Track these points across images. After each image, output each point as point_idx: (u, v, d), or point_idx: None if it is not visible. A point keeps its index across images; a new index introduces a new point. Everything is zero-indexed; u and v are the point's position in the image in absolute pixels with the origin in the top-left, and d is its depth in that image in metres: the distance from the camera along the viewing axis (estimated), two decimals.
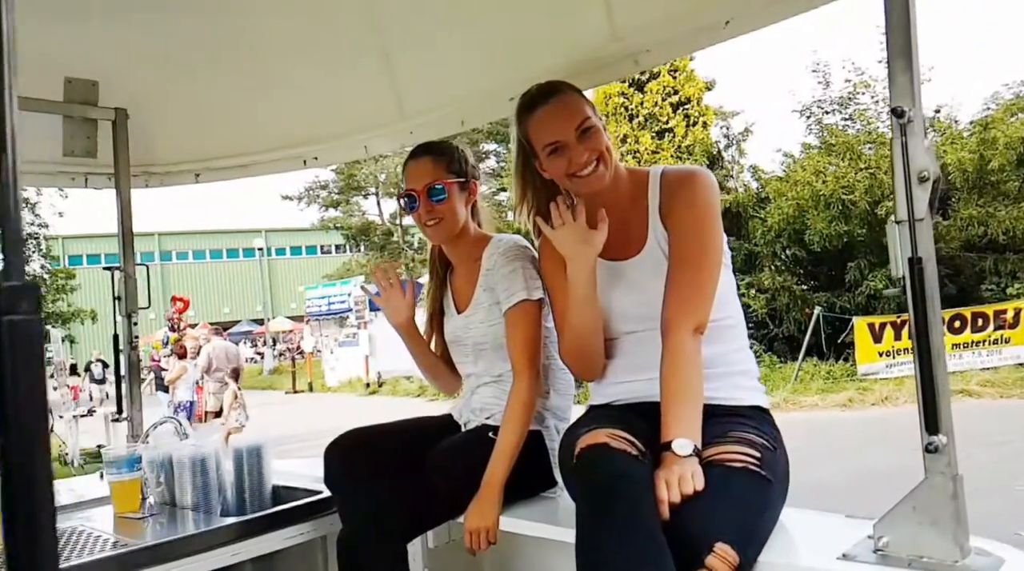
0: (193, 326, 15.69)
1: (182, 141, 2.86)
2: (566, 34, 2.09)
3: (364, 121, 2.62)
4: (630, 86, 17.68)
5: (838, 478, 6.76)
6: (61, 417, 9.01)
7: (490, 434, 1.89)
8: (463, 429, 2.05)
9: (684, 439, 1.46)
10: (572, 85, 1.77)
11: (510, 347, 1.91)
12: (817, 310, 12.86)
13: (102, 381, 20.90)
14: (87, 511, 2.12)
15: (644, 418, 1.60)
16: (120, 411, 2.69)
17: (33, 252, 23.94)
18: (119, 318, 2.69)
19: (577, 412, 1.86)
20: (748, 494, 1.41)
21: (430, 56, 2.36)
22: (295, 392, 21.17)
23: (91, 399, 19.70)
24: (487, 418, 1.99)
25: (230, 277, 48.75)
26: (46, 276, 23.98)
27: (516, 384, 1.88)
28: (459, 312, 2.07)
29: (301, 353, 24.13)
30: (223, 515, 2.06)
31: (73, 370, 26.83)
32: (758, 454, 1.48)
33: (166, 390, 10.72)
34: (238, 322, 41.02)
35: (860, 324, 12.18)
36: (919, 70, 1.32)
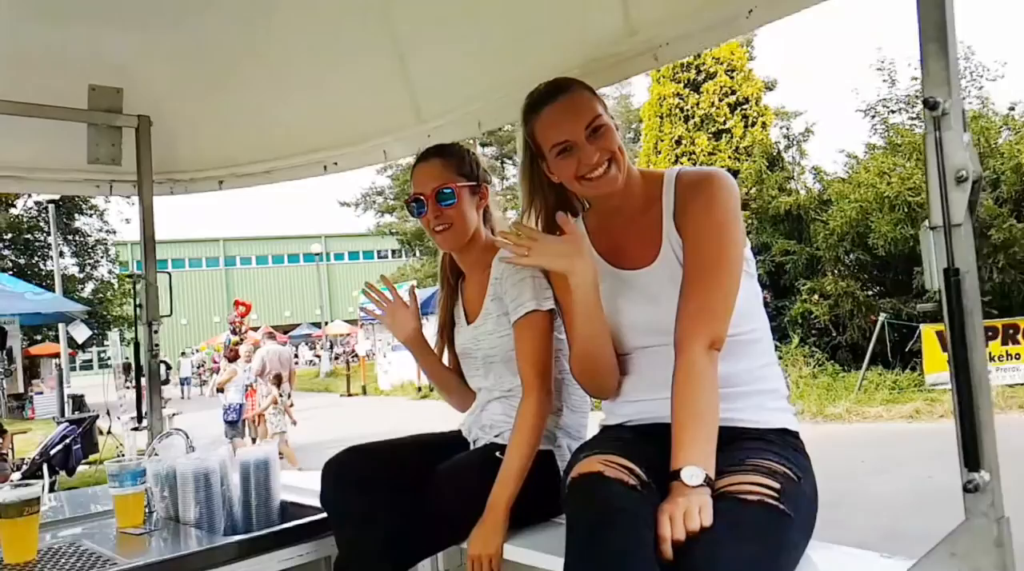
0: (255, 329, 16.01)
1: (205, 148, 2.85)
2: (581, 31, 1.99)
3: (382, 125, 2.57)
4: (685, 87, 17.40)
5: (900, 494, 6.43)
6: (119, 419, 9.23)
7: (497, 453, 1.78)
8: (471, 447, 1.94)
9: (694, 467, 1.33)
10: (582, 82, 1.65)
11: (519, 360, 1.80)
12: (882, 317, 12.35)
13: (165, 382, 21.50)
14: (92, 523, 2.09)
15: (657, 442, 1.46)
16: (140, 419, 2.67)
17: (101, 257, 24.86)
18: (140, 326, 2.68)
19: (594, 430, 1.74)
20: (761, 531, 1.26)
21: (445, 58, 2.29)
22: (349, 395, 21.43)
23: None
24: (496, 436, 1.88)
25: (291, 281, 49.97)
26: (113, 281, 24.82)
27: (524, 400, 1.77)
28: (469, 323, 1.97)
29: (355, 357, 24.40)
30: (227, 532, 2.00)
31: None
32: (778, 485, 1.33)
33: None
34: (298, 325, 41.91)
35: (928, 332, 11.61)
36: (956, 55, 1.16)
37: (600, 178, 1.58)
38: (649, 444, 1.49)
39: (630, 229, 1.65)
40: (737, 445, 1.46)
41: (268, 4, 2.25)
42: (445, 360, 2.10)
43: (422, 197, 1.90)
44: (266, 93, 2.60)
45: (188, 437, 2.15)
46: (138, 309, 2.69)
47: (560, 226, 1.55)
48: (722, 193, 1.55)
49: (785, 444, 1.50)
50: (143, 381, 2.68)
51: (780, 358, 13.44)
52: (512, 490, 1.70)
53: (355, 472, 1.81)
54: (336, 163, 2.72)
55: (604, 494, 1.27)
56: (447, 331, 2.06)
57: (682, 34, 1.81)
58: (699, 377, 1.44)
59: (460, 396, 2.08)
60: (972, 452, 1.12)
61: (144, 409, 2.76)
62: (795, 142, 17.45)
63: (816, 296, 13.67)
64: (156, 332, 2.68)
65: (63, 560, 1.73)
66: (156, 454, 2.11)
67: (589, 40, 1.96)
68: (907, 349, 12.22)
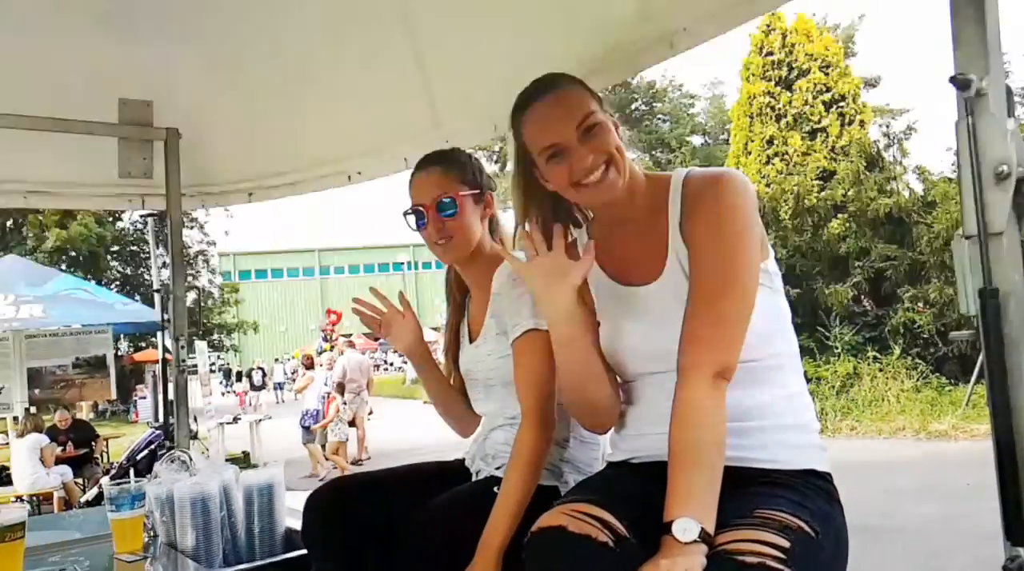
0: (347, 336, 16.41)
1: (234, 160, 2.83)
2: (594, 25, 1.84)
3: (401, 133, 2.49)
4: (776, 85, 16.72)
5: None
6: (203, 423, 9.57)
7: (496, 488, 1.61)
8: (474, 478, 1.78)
9: (688, 519, 1.12)
10: (572, 76, 1.47)
11: (516, 384, 1.62)
12: None
13: (261, 387, 22.36)
14: (89, 547, 2.04)
15: (663, 483, 1.26)
16: (167, 436, 2.64)
17: (202, 268, 26.06)
18: (168, 341, 2.65)
19: None
20: None
21: (459, 61, 2.21)
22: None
23: (250, 405, 21.06)
24: (497, 468, 1.71)
25: (381, 290, 51.24)
26: (214, 290, 25.96)
27: (522, 429, 1.59)
28: (471, 341, 1.82)
29: None
30: (227, 560, 1.91)
31: (239, 377, 28.93)
32: (787, 544, 1.11)
33: None
34: None
35: None
36: (997, 24, 0.92)
37: (597, 183, 1.39)
38: (653, 486, 1.29)
39: (635, 240, 1.46)
40: (750, 491, 1.24)
41: (292, 17, 2.22)
42: (452, 381, 1.95)
43: (421, 208, 1.76)
44: (291, 105, 2.57)
45: (191, 459, 2.07)
46: (165, 325, 2.67)
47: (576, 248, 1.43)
48: (732, 197, 1.33)
49: (808, 489, 1.28)
50: (171, 397, 2.65)
51: (880, 370, 12.68)
52: (507, 529, 1.52)
53: (339, 507, 1.67)
54: (360, 173, 2.65)
55: (563, 554, 1.09)
56: (453, 351, 1.91)
57: (700, 17, 1.61)
58: (701, 413, 1.24)
59: (459, 419, 1.92)
60: (1015, 523, 0.88)
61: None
62: (896, 141, 16.46)
63: (920, 304, 12.81)
64: (183, 347, 2.65)
65: None
66: (158, 476, 2.04)
67: (602, 35, 1.80)
68: None
